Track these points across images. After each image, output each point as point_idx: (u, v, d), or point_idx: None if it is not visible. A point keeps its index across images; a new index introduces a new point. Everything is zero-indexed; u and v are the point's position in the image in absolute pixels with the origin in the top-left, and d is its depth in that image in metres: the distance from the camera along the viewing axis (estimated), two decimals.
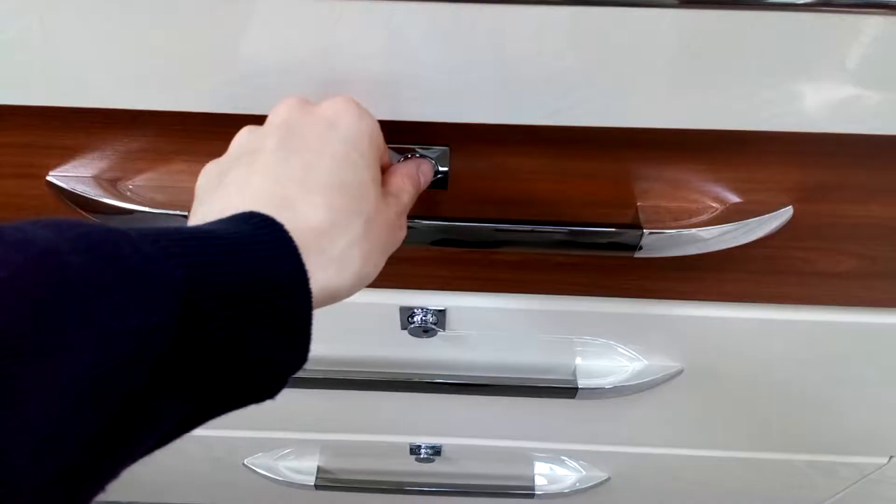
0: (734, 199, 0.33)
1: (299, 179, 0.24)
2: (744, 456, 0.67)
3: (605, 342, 0.49)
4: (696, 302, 0.39)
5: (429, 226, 0.32)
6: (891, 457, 0.65)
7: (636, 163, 0.32)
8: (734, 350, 0.47)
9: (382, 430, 0.68)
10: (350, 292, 0.25)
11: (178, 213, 0.31)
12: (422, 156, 0.31)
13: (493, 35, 0.26)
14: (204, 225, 0.22)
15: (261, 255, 0.21)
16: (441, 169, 0.32)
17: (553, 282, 0.37)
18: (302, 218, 0.23)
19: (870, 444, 0.63)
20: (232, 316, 0.20)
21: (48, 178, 0.32)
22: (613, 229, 0.32)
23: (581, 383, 0.51)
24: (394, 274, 0.35)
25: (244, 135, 0.28)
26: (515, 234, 0.32)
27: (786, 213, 0.33)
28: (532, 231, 0.32)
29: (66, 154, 0.32)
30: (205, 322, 0.19)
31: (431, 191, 0.33)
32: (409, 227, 0.32)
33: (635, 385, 0.51)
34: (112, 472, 0.19)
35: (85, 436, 0.17)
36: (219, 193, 0.25)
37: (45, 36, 0.26)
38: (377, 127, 0.28)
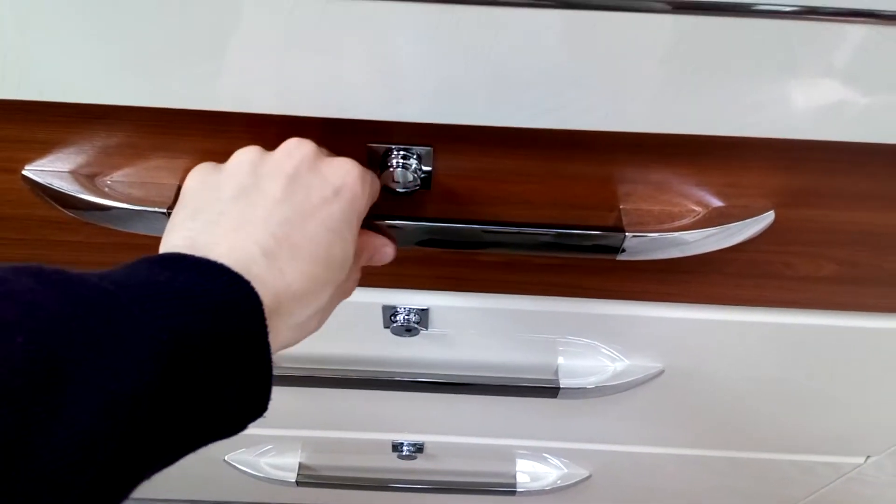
0: (717, 202, 0.33)
1: (294, 244, 0.26)
2: (724, 455, 0.68)
3: (588, 342, 0.49)
4: (678, 304, 0.39)
5: (413, 226, 0.32)
6: (868, 456, 0.66)
7: (620, 166, 0.32)
8: (714, 351, 0.47)
9: (364, 428, 0.68)
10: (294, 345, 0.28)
11: (155, 209, 0.30)
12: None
13: (482, 37, 0.25)
14: (188, 281, 0.23)
15: (234, 320, 0.23)
16: (424, 168, 0.32)
17: (535, 283, 0.37)
18: (284, 282, 0.25)
19: (847, 445, 0.64)
20: (204, 374, 0.22)
21: (24, 172, 0.31)
22: (596, 232, 0.32)
23: (563, 383, 0.51)
24: (375, 273, 0.35)
25: (251, 158, 0.28)
26: (498, 236, 0.32)
27: (767, 217, 0.33)
28: (516, 233, 0.32)
29: (42, 148, 0.31)
30: (181, 380, 0.21)
31: (414, 191, 0.32)
32: (393, 228, 0.32)
33: (616, 385, 0.51)
34: None
35: (84, 483, 0.19)
36: (210, 224, 0.26)
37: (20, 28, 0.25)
38: (377, 186, 0.30)
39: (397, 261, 0.35)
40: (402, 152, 0.31)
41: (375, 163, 0.32)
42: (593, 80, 0.26)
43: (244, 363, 0.23)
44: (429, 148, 0.31)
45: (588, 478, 0.73)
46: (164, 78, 0.27)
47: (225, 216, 0.26)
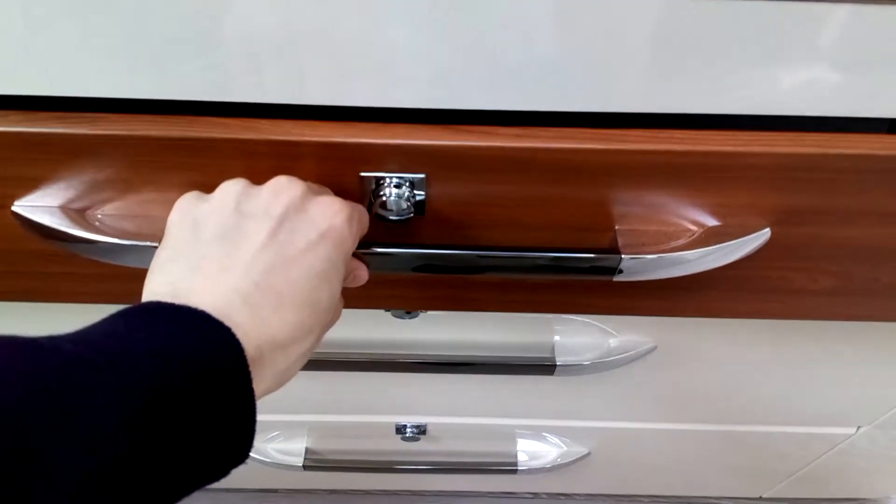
0: (712, 222, 0.33)
1: (277, 292, 0.25)
2: (720, 429, 0.69)
3: (583, 320, 0.50)
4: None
5: (409, 254, 0.32)
6: (858, 427, 0.67)
7: (613, 189, 0.31)
8: (708, 326, 0.48)
9: (368, 411, 0.69)
10: None
11: (148, 244, 0.30)
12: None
13: (474, 18, 0.26)
14: (167, 335, 0.22)
15: (215, 372, 0.22)
16: (418, 195, 0.32)
17: (531, 302, 0.37)
18: (268, 331, 0.24)
19: (839, 416, 0.65)
20: (185, 432, 0.21)
21: (13, 208, 0.31)
22: (592, 255, 0.32)
23: (559, 360, 0.52)
24: (364, 297, 0.35)
25: (237, 192, 0.27)
26: (494, 261, 0.32)
27: (763, 235, 0.33)
28: (512, 258, 0.32)
29: (32, 184, 0.31)
30: (160, 441, 0.21)
31: (409, 218, 0.32)
32: (387, 255, 0.32)
33: (611, 361, 0.52)
34: None
35: None
36: (191, 269, 0.25)
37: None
38: (366, 221, 0.30)
39: (387, 283, 0.35)
40: (395, 180, 0.31)
41: (368, 192, 0.31)
42: (585, 62, 0.27)
43: (227, 415, 0.23)
44: (422, 175, 0.31)
45: (587, 455, 0.75)
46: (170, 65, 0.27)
47: (206, 260, 0.25)
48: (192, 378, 0.22)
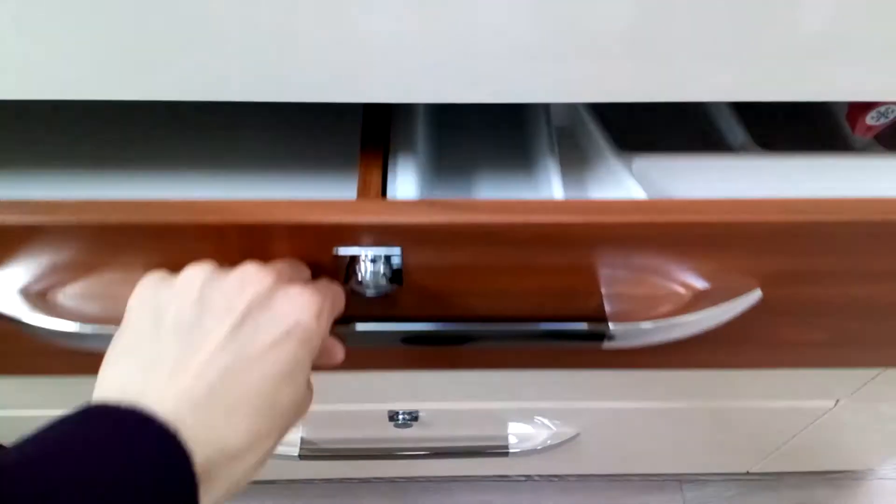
0: (701, 284, 0.32)
1: (233, 396, 0.23)
2: (704, 405, 0.70)
3: None
4: None
5: (394, 330, 0.31)
6: (837, 400, 0.69)
7: (598, 256, 0.30)
8: None
9: (361, 400, 0.70)
10: None
11: (112, 330, 0.29)
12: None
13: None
14: (111, 445, 0.21)
15: (162, 484, 0.21)
16: (395, 266, 0.30)
17: (517, 362, 0.36)
18: (220, 441, 0.23)
19: (817, 390, 0.66)
20: None
21: None
22: (579, 326, 0.31)
23: None
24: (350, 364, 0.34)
25: (201, 280, 0.26)
26: (479, 332, 0.31)
27: (754, 295, 0.32)
28: (497, 331, 0.31)
29: None
30: None
31: (388, 292, 0.31)
32: (369, 333, 0.31)
33: None
34: None
35: None
36: (144, 368, 0.24)
37: None
38: (340, 306, 0.29)
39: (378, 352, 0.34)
40: (371, 255, 0.29)
41: (343, 268, 0.30)
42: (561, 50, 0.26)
43: None
44: (397, 248, 0.29)
45: (577, 436, 0.76)
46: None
47: (161, 358, 0.24)
48: (138, 495, 0.21)
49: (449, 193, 0.38)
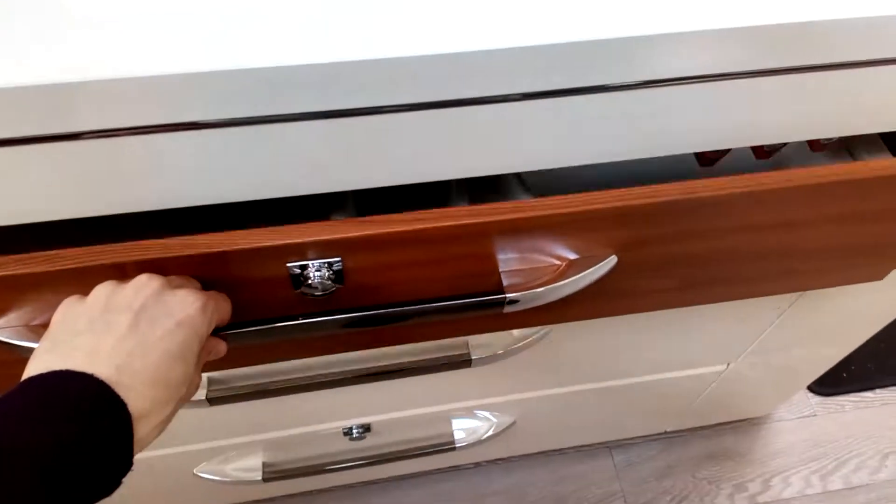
0: (572, 256, 0.42)
1: (135, 372, 0.30)
2: (619, 383, 0.79)
3: None
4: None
5: (336, 320, 0.39)
6: (728, 364, 0.79)
7: (492, 245, 0.39)
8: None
9: (315, 421, 0.75)
10: None
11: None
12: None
13: None
14: (60, 426, 0.27)
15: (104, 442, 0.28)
16: (336, 270, 0.38)
17: (440, 333, 0.45)
18: (129, 402, 0.29)
19: (709, 358, 0.77)
20: (78, 483, 0.27)
21: None
22: (485, 297, 0.40)
23: (474, 355, 0.60)
24: (305, 348, 0.41)
25: (105, 293, 0.33)
26: (405, 312, 0.40)
27: (611, 261, 0.42)
28: (422, 309, 0.40)
29: None
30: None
31: (333, 291, 0.39)
32: (316, 322, 0.39)
33: (518, 347, 0.60)
34: None
35: None
36: (63, 356, 0.30)
37: None
38: (225, 307, 0.36)
39: (326, 337, 0.42)
40: (315, 264, 0.38)
41: (296, 276, 0.38)
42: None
43: (108, 466, 0.28)
44: (338, 258, 0.38)
45: (514, 423, 0.84)
46: None
47: (77, 349, 0.30)
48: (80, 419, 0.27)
49: None
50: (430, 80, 0.32)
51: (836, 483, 1.04)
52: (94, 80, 0.29)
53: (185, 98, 0.30)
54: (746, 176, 0.39)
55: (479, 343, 0.60)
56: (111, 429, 0.29)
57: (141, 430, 0.30)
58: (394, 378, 0.60)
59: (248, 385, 0.57)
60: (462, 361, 0.59)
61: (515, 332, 0.60)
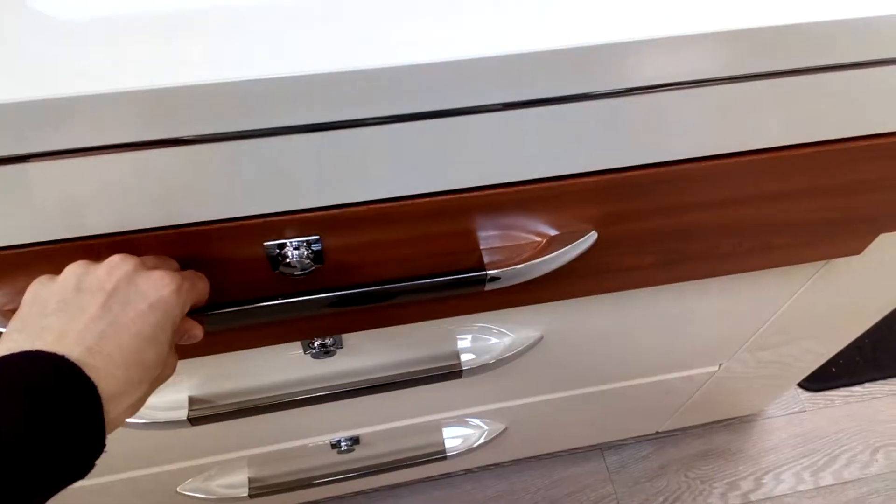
0: (553, 232, 0.42)
1: (107, 354, 0.29)
2: (611, 387, 0.79)
3: (480, 325, 0.57)
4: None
5: (316, 300, 0.38)
6: (720, 364, 0.80)
7: (471, 221, 0.39)
8: (581, 315, 0.57)
9: (302, 435, 0.73)
10: None
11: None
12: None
13: None
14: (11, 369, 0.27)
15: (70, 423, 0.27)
16: (314, 249, 0.38)
17: (423, 313, 0.45)
18: (100, 383, 0.29)
19: (701, 359, 0.77)
20: (46, 463, 0.26)
21: None
22: (466, 275, 0.40)
23: (465, 365, 0.59)
24: (293, 332, 0.40)
25: (77, 273, 0.32)
26: (388, 290, 0.39)
27: (591, 237, 0.42)
28: (404, 287, 0.39)
29: None
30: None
31: (311, 270, 0.39)
32: (295, 302, 0.38)
33: (509, 356, 0.59)
34: None
35: None
36: (33, 336, 0.29)
37: None
38: (201, 288, 0.35)
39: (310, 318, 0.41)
40: (294, 243, 0.37)
41: (274, 257, 0.38)
42: None
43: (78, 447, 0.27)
44: (317, 236, 0.37)
45: (506, 430, 0.83)
46: None
47: (47, 330, 0.29)
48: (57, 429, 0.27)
49: None
50: (405, 92, 0.31)
51: (827, 478, 1.04)
52: (76, 97, 0.27)
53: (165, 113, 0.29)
54: None
55: (470, 353, 0.59)
56: (81, 409, 0.28)
57: (112, 411, 0.29)
58: (383, 392, 0.59)
59: (231, 403, 0.55)
60: (453, 373, 0.58)
61: (506, 340, 0.59)
